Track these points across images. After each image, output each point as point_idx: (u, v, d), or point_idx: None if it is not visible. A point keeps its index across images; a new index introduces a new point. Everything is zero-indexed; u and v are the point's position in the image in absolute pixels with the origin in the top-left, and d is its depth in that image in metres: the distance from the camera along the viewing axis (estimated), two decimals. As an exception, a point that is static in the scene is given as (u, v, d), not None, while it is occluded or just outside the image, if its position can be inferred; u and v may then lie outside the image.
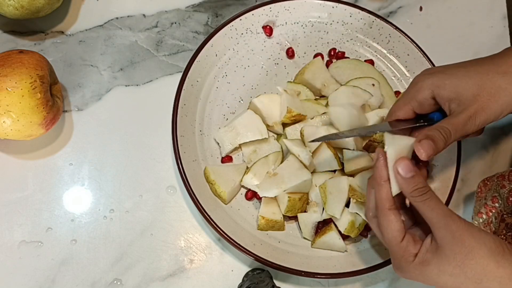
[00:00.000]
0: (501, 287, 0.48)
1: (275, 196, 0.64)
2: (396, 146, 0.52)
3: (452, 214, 0.49)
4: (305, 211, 0.64)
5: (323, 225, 0.65)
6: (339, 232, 0.63)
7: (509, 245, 0.51)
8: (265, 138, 0.66)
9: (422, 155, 0.51)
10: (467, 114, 0.53)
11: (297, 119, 0.66)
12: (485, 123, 0.54)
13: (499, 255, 0.48)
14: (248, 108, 0.68)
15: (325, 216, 0.63)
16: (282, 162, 0.64)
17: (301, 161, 0.62)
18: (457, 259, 0.48)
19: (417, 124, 0.57)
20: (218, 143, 0.67)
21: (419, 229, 0.54)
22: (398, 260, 0.52)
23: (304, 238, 0.65)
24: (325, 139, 0.61)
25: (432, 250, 0.50)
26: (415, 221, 0.55)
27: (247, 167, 0.66)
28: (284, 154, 0.66)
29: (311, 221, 0.64)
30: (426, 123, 0.57)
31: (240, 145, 0.67)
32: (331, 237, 0.63)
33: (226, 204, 0.65)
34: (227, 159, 0.67)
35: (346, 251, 0.64)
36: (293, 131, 0.66)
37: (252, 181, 0.64)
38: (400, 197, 0.53)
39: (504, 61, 0.54)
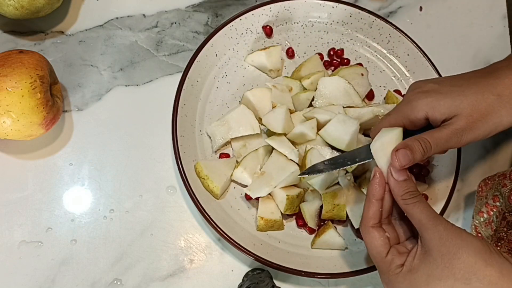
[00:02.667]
0: (491, 286, 0.46)
1: (272, 197, 0.64)
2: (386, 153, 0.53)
3: (440, 217, 0.49)
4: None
5: (320, 226, 0.65)
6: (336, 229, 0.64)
7: (495, 247, 0.50)
8: (257, 133, 0.66)
9: (396, 164, 0.51)
10: (452, 130, 0.53)
11: None
12: (471, 142, 0.55)
13: (486, 254, 0.47)
14: (240, 102, 0.68)
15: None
16: (272, 154, 0.64)
17: (291, 160, 0.63)
18: (444, 260, 0.47)
19: None
20: (210, 137, 0.67)
21: (415, 241, 0.53)
22: (386, 274, 0.51)
23: (310, 227, 0.64)
24: (315, 171, 0.58)
25: (419, 256, 0.49)
26: (412, 234, 0.54)
27: (237, 161, 0.66)
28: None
29: (314, 207, 0.64)
30: None
31: (229, 139, 0.67)
32: (330, 235, 0.63)
33: (218, 199, 0.65)
34: (224, 155, 0.67)
35: (346, 248, 0.64)
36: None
37: (242, 175, 0.64)
38: (398, 208, 0.54)
39: (499, 82, 0.54)
